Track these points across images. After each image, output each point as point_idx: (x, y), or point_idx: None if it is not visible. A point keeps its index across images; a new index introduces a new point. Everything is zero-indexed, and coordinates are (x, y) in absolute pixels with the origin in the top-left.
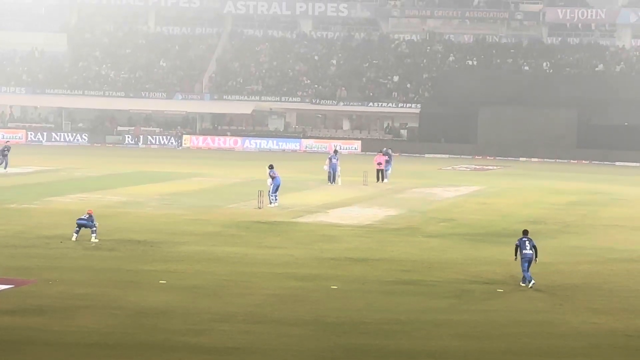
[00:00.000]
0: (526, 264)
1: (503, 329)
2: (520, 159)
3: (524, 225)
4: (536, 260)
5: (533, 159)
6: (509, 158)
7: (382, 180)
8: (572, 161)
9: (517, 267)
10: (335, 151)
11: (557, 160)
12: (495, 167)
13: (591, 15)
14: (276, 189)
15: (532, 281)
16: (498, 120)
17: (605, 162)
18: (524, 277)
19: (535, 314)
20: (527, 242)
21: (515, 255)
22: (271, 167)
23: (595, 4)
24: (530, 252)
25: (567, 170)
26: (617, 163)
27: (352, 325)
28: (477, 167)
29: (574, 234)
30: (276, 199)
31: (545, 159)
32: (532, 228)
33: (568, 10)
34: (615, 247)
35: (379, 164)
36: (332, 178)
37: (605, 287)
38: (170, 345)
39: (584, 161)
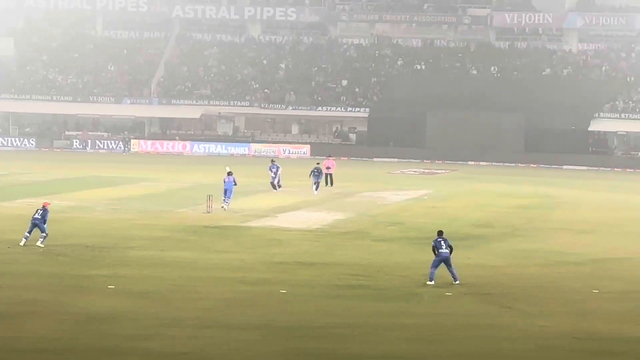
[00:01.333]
0: (440, 262)
1: (452, 333)
2: (469, 162)
3: (472, 229)
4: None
5: (481, 163)
6: (458, 162)
7: (331, 184)
8: (520, 165)
9: (465, 271)
10: (272, 160)
11: (505, 164)
12: (443, 171)
13: (538, 20)
14: (228, 193)
15: (457, 280)
16: (446, 124)
17: (552, 166)
18: (431, 274)
19: (484, 317)
20: (442, 242)
21: (435, 254)
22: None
23: (542, 8)
24: (446, 250)
25: (515, 174)
26: (564, 167)
27: (302, 329)
28: (426, 170)
29: (522, 237)
30: (226, 202)
31: (493, 163)
32: (480, 231)
33: (515, 15)
34: (563, 250)
35: (328, 168)
36: (275, 186)
37: (553, 290)
38: (119, 350)
39: (531, 165)
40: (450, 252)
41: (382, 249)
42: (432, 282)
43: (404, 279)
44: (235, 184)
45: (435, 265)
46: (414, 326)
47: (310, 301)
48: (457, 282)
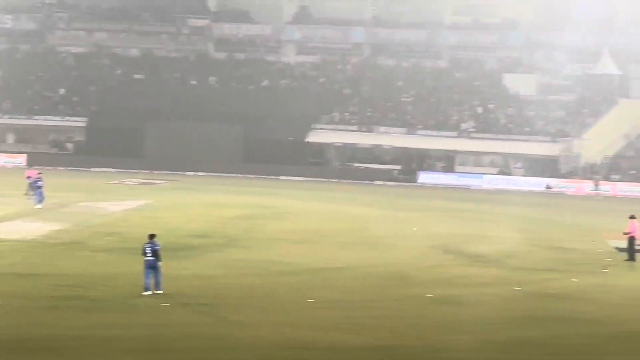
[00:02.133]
0: (149, 270)
1: (173, 344)
2: (188, 173)
3: (189, 239)
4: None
5: (200, 174)
6: (177, 172)
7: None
8: (238, 175)
9: (182, 281)
10: None
11: (224, 174)
12: (162, 182)
13: (256, 31)
14: None
15: (160, 289)
16: (165, 135)
17: (270, 177)
18: (145, 284)
19: (203, 327)
20: (147, 247)
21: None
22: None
23: (261, 19)
24: (152, 258)
25: (233, 185)
26: (282, 177)
27: (18, 342)
28: (145, 181)
29: (239, 247)
30: None
31: (212, 173)
32: (197, 242)
33: (234, 26)
34: (278, 260)
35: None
36: None
37: (269, 300)
38: None
39: (250, 175)
40: (157, 257)
41: (99, 260)
42: (149, 292)
43: (120, 289)
44: None
45: (147, 273)
46: (132, 337)
47: (26, 313)
48: (159, 291)
